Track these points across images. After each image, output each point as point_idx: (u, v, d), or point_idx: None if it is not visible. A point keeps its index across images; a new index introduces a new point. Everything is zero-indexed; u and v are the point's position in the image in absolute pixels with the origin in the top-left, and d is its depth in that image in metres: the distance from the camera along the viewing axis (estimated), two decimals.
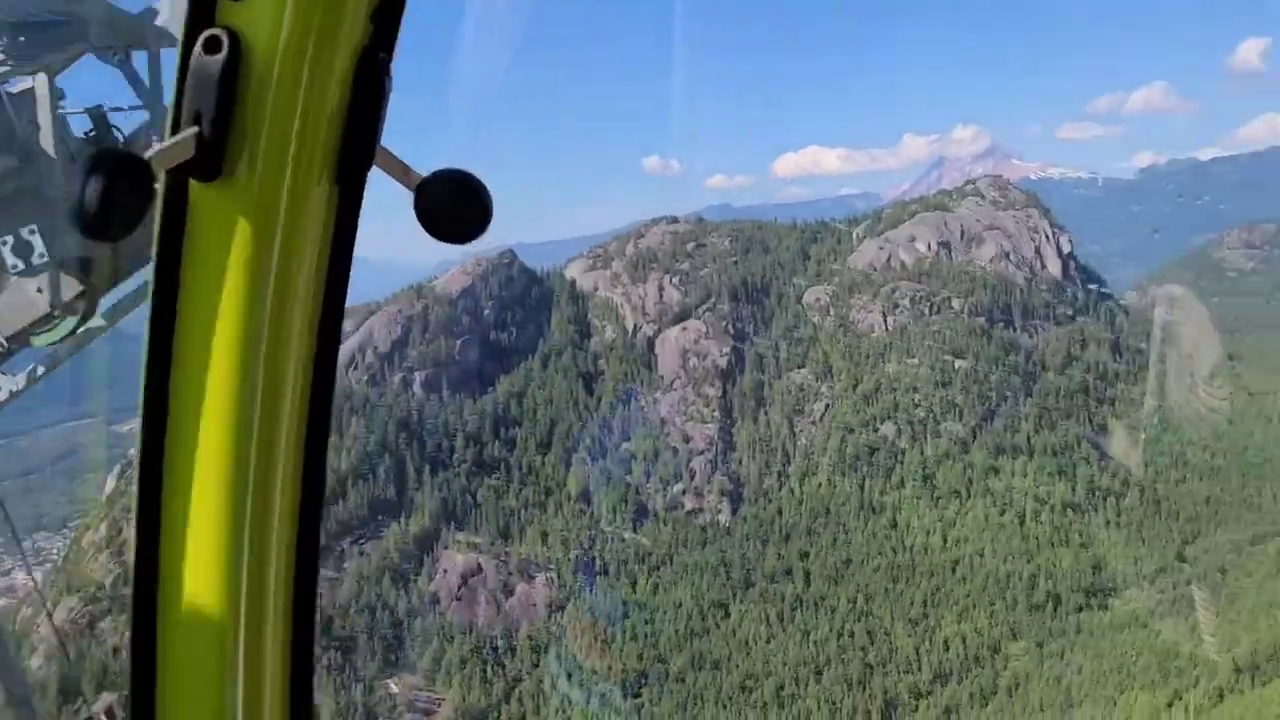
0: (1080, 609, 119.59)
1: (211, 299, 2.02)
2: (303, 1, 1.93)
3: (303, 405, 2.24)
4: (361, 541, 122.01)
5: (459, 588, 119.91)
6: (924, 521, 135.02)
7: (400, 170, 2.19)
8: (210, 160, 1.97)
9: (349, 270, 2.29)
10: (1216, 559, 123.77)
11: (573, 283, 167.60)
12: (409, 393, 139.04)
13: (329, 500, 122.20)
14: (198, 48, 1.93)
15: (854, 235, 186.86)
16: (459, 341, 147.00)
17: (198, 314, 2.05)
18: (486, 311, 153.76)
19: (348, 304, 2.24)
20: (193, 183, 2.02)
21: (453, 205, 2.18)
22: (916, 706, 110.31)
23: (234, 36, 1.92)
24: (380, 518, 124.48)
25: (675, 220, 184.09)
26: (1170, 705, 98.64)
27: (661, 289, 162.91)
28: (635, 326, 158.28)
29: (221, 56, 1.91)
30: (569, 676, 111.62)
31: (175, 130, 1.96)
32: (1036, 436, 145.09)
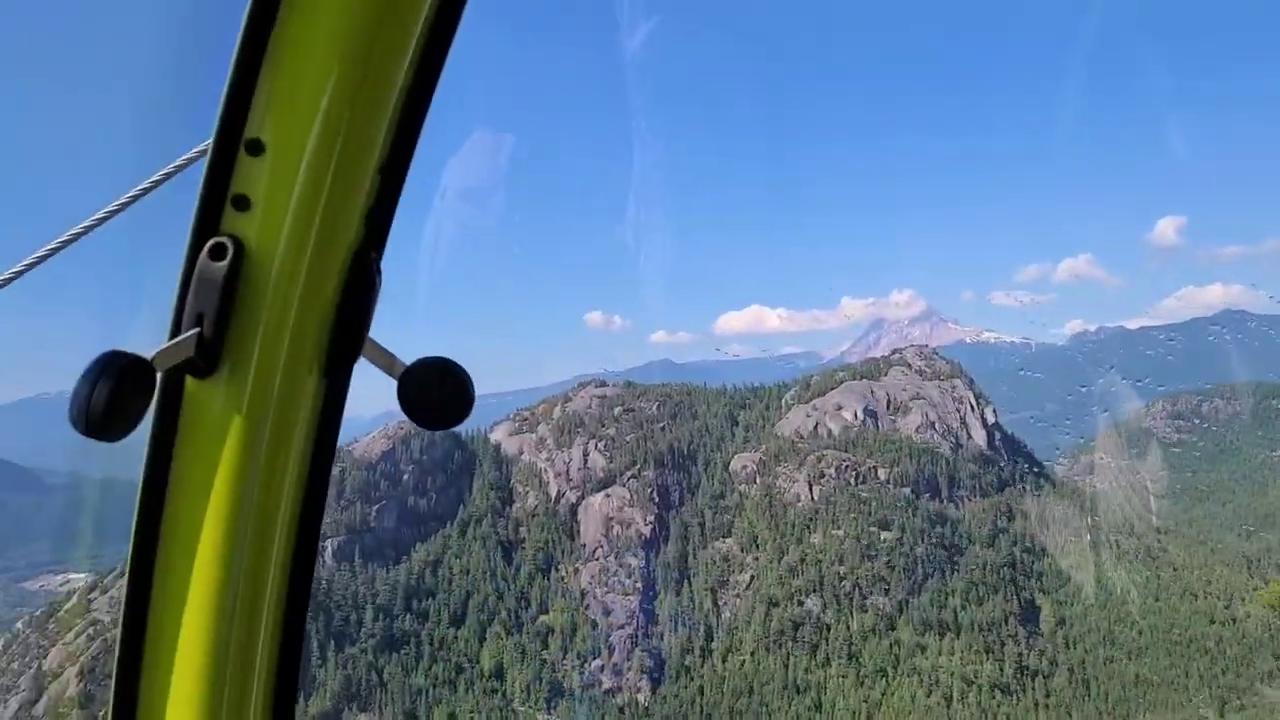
0: None
1: (201, 485, 2.08)
2: (302, 209, 2.03)
3: (283, 591, 2.30)
4: None
5: None
6: (849, 702, 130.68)
7: (386, 361, 2.25)
8: (209, 358, 2.05)
9: (333, 456, 2.35)
10: None
11: (497, 446, 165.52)
12: (319, 562, 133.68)
13: None
14: (204, 254, 2.03)
15: (783, 402, 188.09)
16: (375, 508, 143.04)
17: (186, 500, 2.09)
18: (406, 476, 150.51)
19: None
20: (188, 377, 2.10)
21: (435, 392, 2.21)
22: None
23: (238, 243, 2.03)
24: None
25: (604, 384, 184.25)
26: None
27: (586, 454, 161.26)
28: (559, 493, 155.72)
29: (225, 263, 2.02)
30: None
31: (176, 331, 2.03)
32: (964, 612, 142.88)
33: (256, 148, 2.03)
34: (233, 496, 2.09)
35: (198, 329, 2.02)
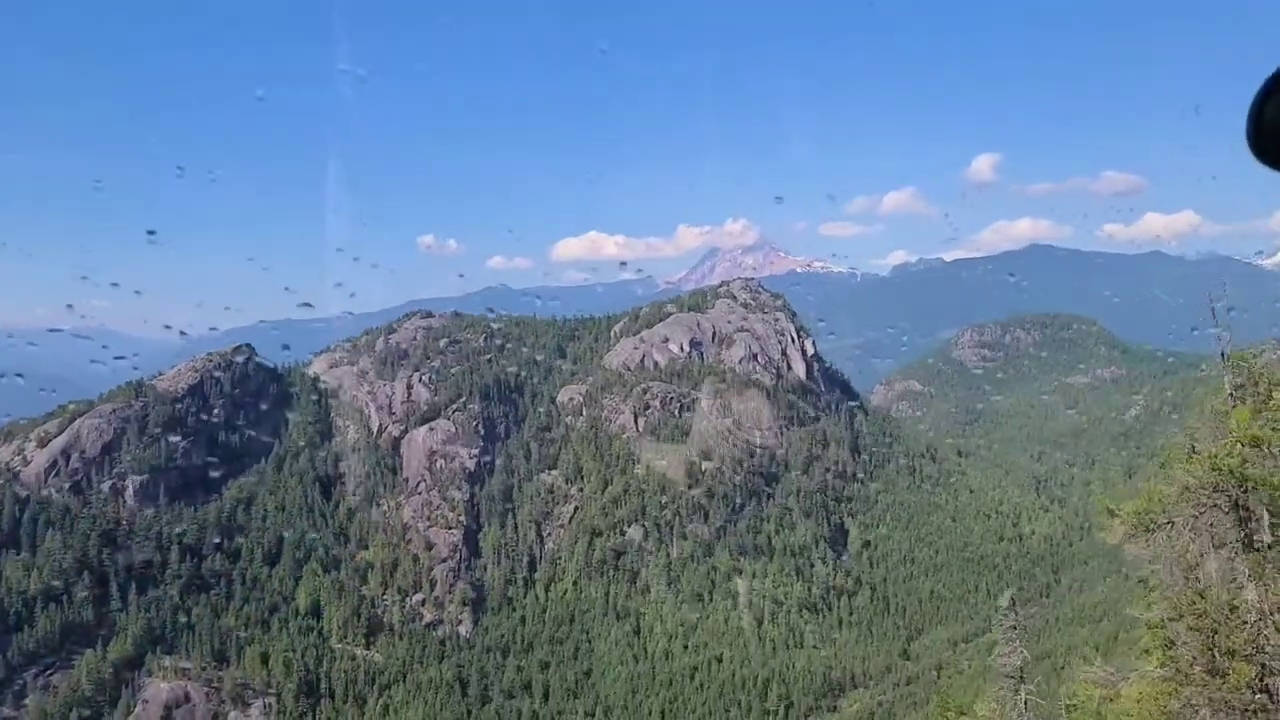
0: (809, 712, 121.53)
1: None
2: None
3: None
4: (48, 672, 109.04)
5: None
6: (667, 626, 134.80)
7: None
8: None
9: None
10: (934, 657, 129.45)
11: (315, 379, 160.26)
12: (119, 501, 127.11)
13: (10, 628, 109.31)
14: None
15: (612, 333, 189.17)
16: (182, 444, 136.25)
17: None
18: (217, 410, 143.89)
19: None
20: None
21: None
22: None
23: None
24: (73, 644, 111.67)
25: (429, 314, 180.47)
26: None
27: (410, 387, 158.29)
28: (380, 427, 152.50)
29: None
30: None
31: None
32: (777, 537, 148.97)
33: None
34: None
35: None
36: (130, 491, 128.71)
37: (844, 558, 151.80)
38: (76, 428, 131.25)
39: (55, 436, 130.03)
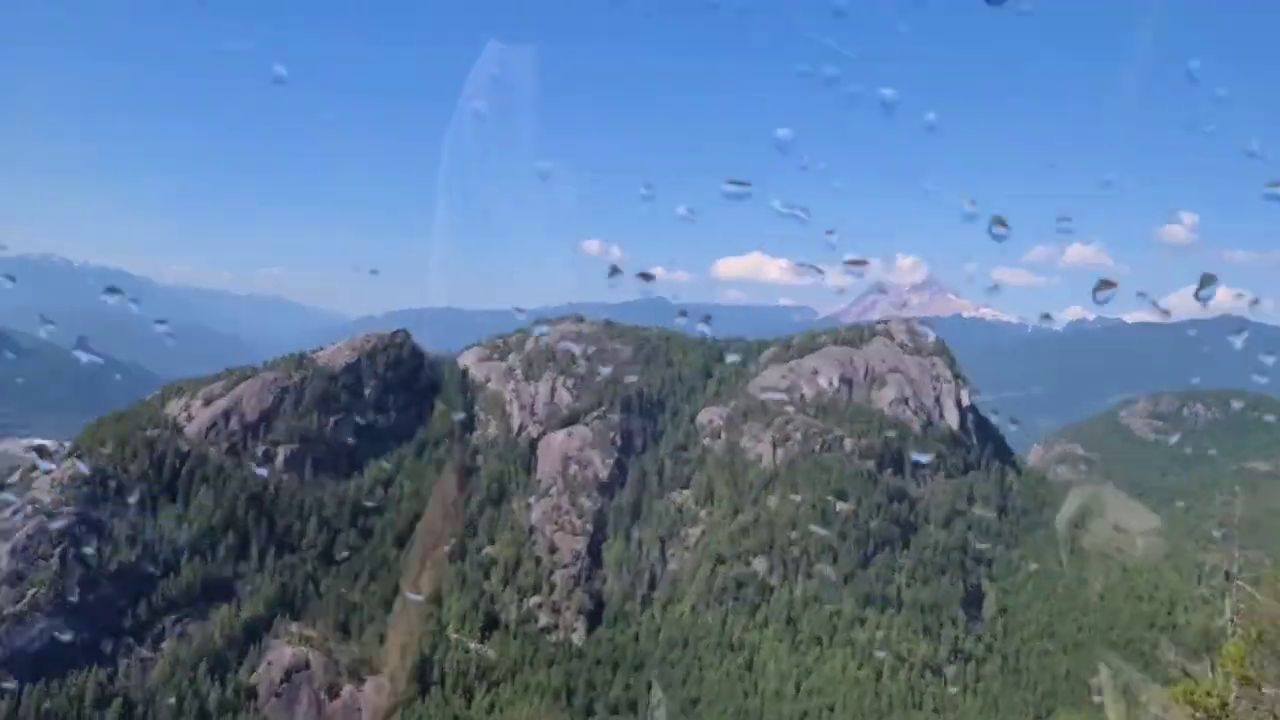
0: None
1: None
2: None
3: None
4: (186, 620, 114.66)
5: (281, 683, 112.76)
6: (781, 666, 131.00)
7: None
8: None
9: None
10: None
11: (465, 371, 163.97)
12: (268, 467, 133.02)
13: (158, 573, 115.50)
14: None
15: (761, 359, 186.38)
16: (332, 420, 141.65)
17: None
18: (368, 391, 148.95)
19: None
20: None
21: None
22: None
23: None
24: (210, 597, 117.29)
25: (581, 319, 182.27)
26: None
27: (554, 389, 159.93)
28: (520, 425, 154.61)
29: None
30: None
31: None
32: (908, 590, 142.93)
33: None
34: None
35: None
36: (280, 459, 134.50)
37: (977, 622, 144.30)
38: (239, 391, 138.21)
39: (219, 397, 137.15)
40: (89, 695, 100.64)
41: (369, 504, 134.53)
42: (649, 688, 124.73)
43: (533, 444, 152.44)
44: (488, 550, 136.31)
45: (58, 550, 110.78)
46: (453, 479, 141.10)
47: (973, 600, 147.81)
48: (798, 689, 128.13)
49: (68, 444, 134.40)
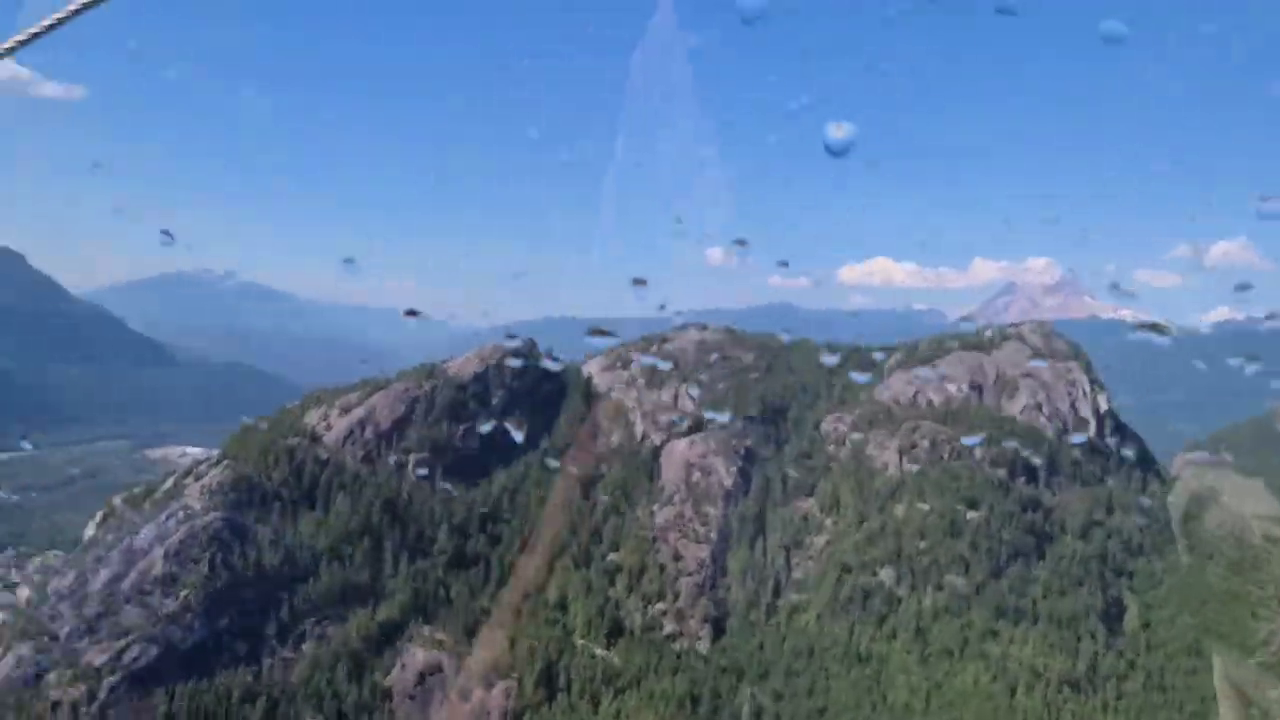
0: None
1: None
2: None
3: None
4: (325, 623, 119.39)
5: (415, 685, 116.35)
6: (911, 679, 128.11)
7: None
8: None
9: None
10: None
11: (588, 380, 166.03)
12: (402, 475, 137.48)
13: (299, 578, 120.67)
14: None
15: (886, 366, 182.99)
16: (462, 428, 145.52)
17: None
18: (495, 400, 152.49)
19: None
20: None
21: None
22: None
23: None
24: (348, 601, 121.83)
25: (704, 327, 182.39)
26: None
27: (677, 397, 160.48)
28: (644, 433, 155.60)
29: None
30: None
31: None
32: (1044, 603, 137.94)
33: None
34: None
35: None
36: (411, 467, 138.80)
37: (1118, 636, 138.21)
38: (374, 401, 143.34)
39: (355, 407, 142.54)
40: (235, 693, 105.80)
41: (493, 511, 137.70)
42: (776, 698, 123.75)
43: (655, 452, 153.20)
44: (612, 557, 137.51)
45: (207, 554, 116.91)
46: (575, 485, 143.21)
47: (1113, 613, 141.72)
48: (928, 702, 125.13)
49: (215, 452, 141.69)
